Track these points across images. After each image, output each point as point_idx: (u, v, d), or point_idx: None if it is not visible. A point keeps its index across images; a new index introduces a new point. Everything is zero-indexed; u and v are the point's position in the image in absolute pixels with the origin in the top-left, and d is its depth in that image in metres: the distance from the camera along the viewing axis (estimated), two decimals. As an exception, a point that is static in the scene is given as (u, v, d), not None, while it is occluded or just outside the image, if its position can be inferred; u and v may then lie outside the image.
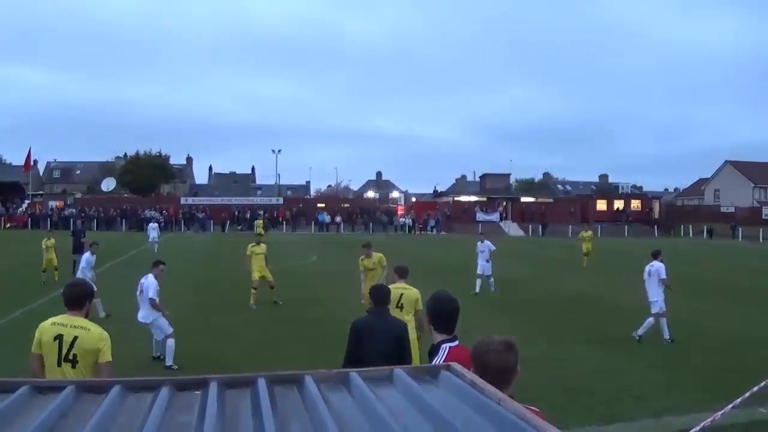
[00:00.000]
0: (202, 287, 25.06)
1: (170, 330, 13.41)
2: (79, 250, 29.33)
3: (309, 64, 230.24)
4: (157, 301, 13.38)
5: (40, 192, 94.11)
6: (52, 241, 27.44)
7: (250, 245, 22.25)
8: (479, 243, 25.35)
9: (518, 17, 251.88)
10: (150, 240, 43.55)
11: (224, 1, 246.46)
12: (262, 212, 76.97)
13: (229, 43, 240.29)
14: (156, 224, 46.91)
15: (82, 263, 19.12)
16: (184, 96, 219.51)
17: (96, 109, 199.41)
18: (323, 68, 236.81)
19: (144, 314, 13.53)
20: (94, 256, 19.68)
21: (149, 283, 13.41)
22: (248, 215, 78.28)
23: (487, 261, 24.54)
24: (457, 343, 5.39)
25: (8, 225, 71.66)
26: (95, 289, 18.52)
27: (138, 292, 13.69)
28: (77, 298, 6.26)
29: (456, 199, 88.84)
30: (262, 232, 56.85)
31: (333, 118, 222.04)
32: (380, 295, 7.96)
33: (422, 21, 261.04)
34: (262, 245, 22.18)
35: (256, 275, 21.48)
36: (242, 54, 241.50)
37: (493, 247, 24.99)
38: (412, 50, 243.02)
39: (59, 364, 6.00)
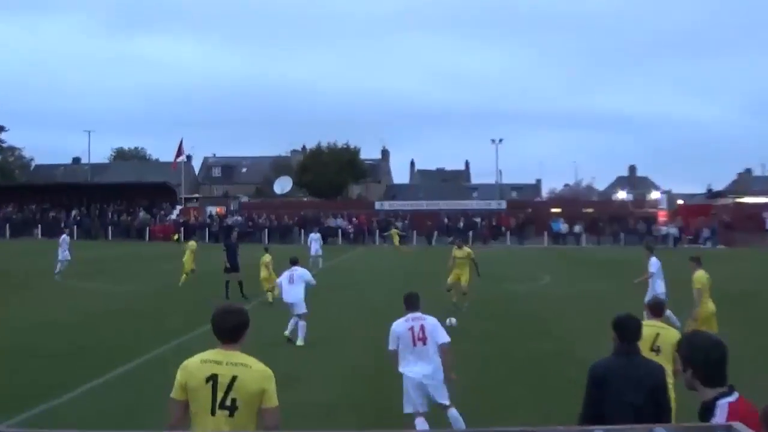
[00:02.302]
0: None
1: None
2: (234, 267, 30.56)
3: (524, 31, 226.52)
4: None
5: (196, 195, 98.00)
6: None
7: (453, 249, 27.59)
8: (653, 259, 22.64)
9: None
10: (312, 253, 44.39)
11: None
12: (393, 219, 77.97)
13: (423, 10, 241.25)
14: (318, 234, 47.83)
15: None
16: (375, 76, 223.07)
17: (265, 93, 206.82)
18: (543, 35, 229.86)
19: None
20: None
21: None
22: (460, 223, 78.97)
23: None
24: (737, 396, 5.20)
25: (176, 236, 73.55)
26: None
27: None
28: (233, 329, 6.21)
29: (738, 200, 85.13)
30: (398, 243, 65.36)
31: (565, 98, 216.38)
32: (629, 327, 7.71)
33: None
34: (465, 249, 27.39)
35: (452, 278, 26.70)
36: (439, 23, 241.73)
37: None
38: (658, 7, 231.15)
39: (213, 413, 6.02)
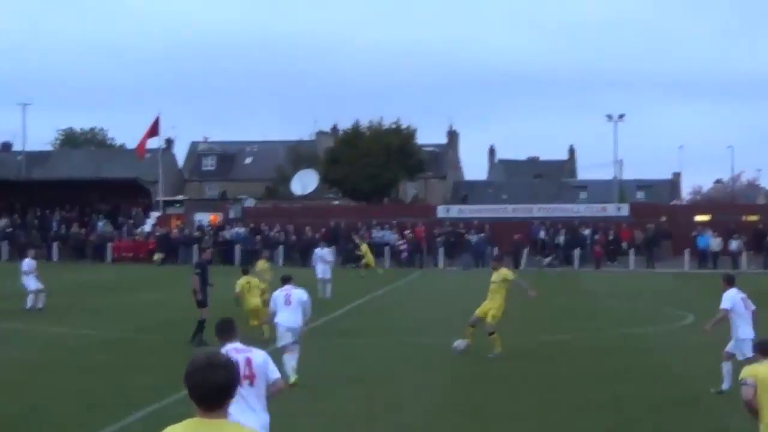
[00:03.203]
0: (466, 387, 25.12)
1: None
2: (204, 301, 30.51)
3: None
4: None
5: (179, 197, 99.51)
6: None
7: (501, 271, 29.55)
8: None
9: None
10: (319, 276, 46.11)
11: None
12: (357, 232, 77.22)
13: None
14: (326, 249, 50.58)
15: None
16: (437, 29, 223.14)
17: (280, 53, 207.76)
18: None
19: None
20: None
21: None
22: (561, 237, 79.11)
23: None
24: None
25: (158, 256, 75.02)
26: None
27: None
28: (218, 389, 6.21)
29: None
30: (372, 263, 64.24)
31: (717, 56, 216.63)
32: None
33: None
34: (502, 271, 29.69)
35: (479, 311, 28.77)
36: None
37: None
38: None
39: None
